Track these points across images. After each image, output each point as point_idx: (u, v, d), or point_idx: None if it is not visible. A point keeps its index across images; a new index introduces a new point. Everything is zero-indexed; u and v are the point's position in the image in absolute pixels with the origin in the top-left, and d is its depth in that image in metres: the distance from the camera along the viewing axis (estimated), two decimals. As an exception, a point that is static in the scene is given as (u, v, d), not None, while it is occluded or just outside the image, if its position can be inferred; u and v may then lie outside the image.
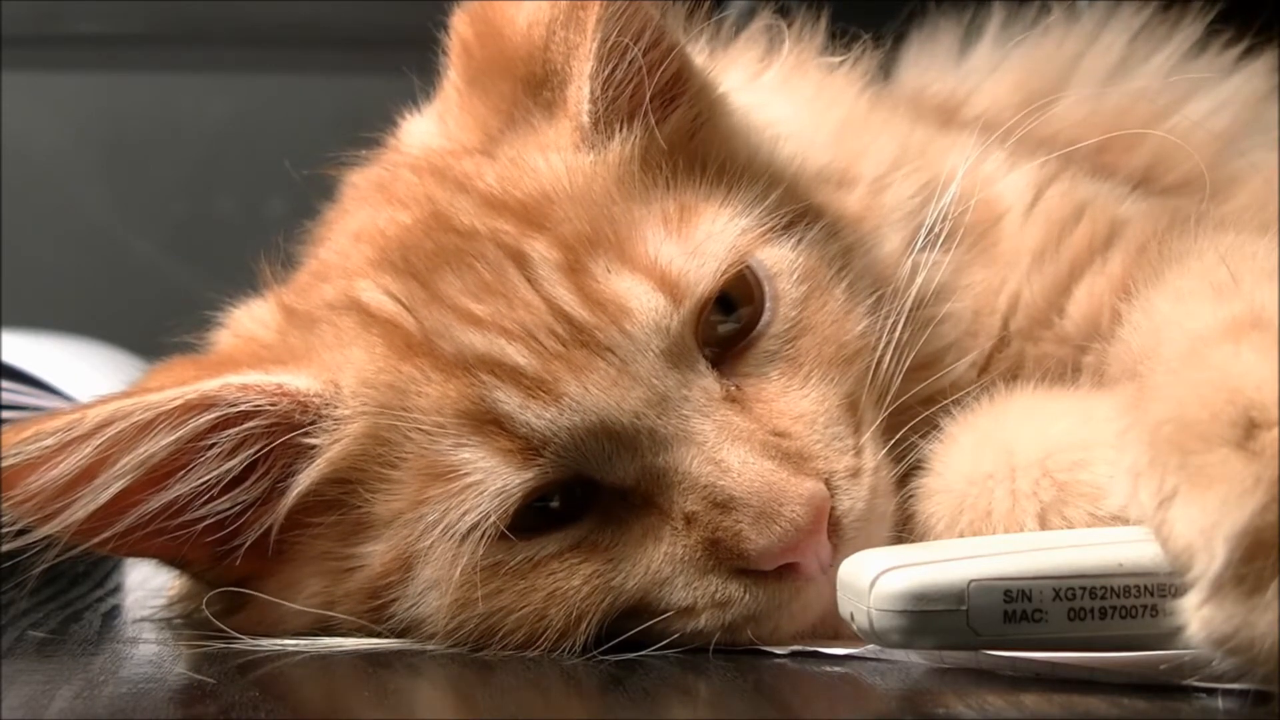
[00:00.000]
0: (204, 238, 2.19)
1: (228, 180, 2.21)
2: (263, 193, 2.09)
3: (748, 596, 0.85)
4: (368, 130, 1.07)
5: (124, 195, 2.21)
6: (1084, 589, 0.72)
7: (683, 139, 0.96)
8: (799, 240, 0.94)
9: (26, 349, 1.45)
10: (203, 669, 0.86)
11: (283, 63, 2.26)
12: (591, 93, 0.93)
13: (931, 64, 1.30)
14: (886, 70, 1.24)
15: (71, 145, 2.21)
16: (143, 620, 1.02)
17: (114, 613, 1.08)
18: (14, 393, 1.37)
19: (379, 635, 0.90)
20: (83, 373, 1.45)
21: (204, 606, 0.91)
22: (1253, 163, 1.21)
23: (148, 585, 1.11)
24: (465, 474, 0.85)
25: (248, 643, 0.90)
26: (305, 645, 0.90)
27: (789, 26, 1.16)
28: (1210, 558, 0.63)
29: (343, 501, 0.90)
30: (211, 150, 2.22)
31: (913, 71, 1.30)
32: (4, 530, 0.86)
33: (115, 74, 2.23)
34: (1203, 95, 1.27)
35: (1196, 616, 0.64)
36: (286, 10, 2.22)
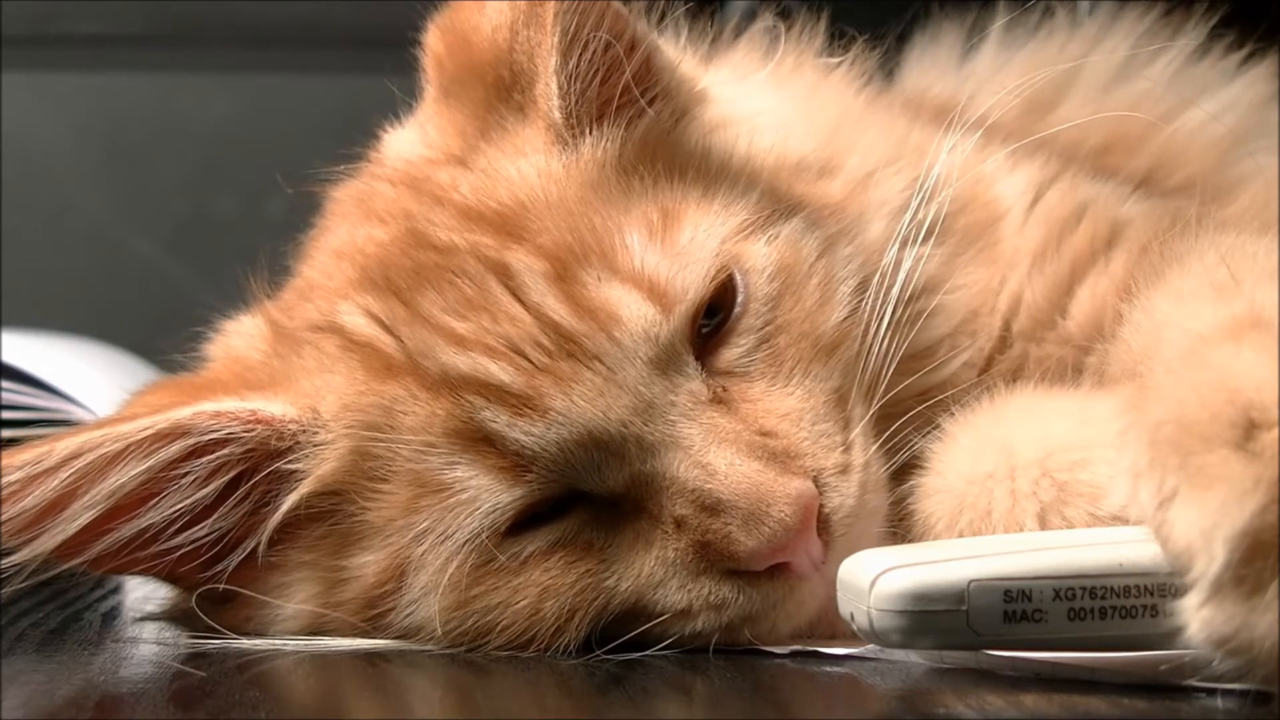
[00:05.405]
0: (204, 238, 2.18)
1: (228, 180, 2.20)
2: (263, 193, 2.08)
3: (742, 597, 0.85)
4: (364, 134, 1.06)
5: (124, 195, 2.21)
6: (1084, 589, 0.72)
7: (659, 137, 0.96)
8: (775, 235, 0.94)
9: (26, 349, 1.45)
10: (202, 669, 0.86)
11: (283, 63, 2.25)
12: (559, 87, 0.93)
13: (934, 66, 1.30)
14: (889, 71, 1.24)
15: (71, 145, 2.21)
16: (143, 620, 1.02)
17: (114, 613, 1.08)
18: (14, 393, 1.37)
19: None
20: (83, 373, 1.45)
21: (194, 605, 0.91)
22: (1255, 166, 1.20)
23: (147, 585, 1.11)
24: (458, 491, 0.85)
25: (246, 642, 0.90)
26: (303, 645, 0.90)
27: (788, 29, 1.15)
28: (1210, 558, 0.63)
29: (333, 512, 0.90)
30: (211, 150, 2.22)
31: (915, 73, 1.30)
32: None
33: (114, 74, 2.23)
34: (1206, 99, 1.27)
35: (1196, 617, 0.64)
36: (286, 10, 2.21)
